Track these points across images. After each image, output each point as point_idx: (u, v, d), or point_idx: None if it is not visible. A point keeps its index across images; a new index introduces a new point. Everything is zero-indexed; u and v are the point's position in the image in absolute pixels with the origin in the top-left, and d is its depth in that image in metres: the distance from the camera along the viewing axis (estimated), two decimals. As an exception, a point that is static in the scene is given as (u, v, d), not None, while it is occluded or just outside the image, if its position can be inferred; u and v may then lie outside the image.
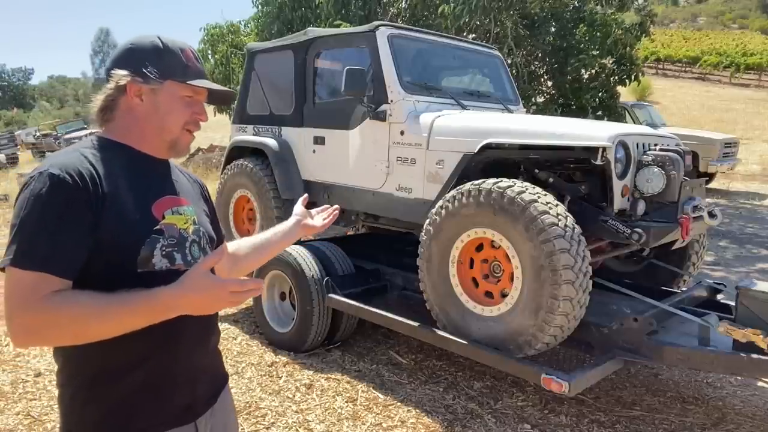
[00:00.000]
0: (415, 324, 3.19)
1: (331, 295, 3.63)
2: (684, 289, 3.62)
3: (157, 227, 1.16)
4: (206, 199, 1.42)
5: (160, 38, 1.22)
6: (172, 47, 1.22)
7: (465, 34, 7.91)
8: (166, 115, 1.22)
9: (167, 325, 1.10)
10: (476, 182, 2.86)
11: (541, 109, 8.80)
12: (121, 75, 1.18)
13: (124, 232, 1.11)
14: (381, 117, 3.63)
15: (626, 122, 10.04)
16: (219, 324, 1.37)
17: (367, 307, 3.47)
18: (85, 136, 1.35)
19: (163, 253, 1.16)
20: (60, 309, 1.01)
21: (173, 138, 1.24)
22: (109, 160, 1.16)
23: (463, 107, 3.77)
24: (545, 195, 2.69)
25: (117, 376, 1.14)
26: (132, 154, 1.22)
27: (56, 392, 1.21)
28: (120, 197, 1.13)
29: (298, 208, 1.69)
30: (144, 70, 1.18)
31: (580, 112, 8.76)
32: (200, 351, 1.27)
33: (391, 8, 9.03)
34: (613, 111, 8.99)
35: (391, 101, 3.58)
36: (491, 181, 2.81)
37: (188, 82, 1.22)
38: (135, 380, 1.15)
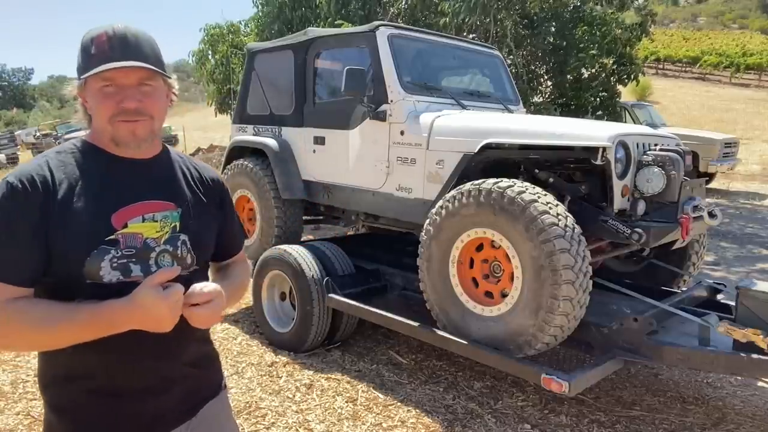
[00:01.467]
0: (415, 324, 3.19)
1: (331, 295, 3.63)
2: (684, 289, 3.62)
3: (111, 237, 1.11)
4: (221, 201, 1.35)
5: (85, 34, 1.16)
6: (85, 41, 1.15)
7: (465, 33, 7.91)
8: (95, 112, 1.16)
9: (124, 336, 1.08)
10: (476, 182, 2.86)
11: (541, 109, 8.80)
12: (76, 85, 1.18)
13: (69, 242, 1.08)
14: (381, 117, 3.63)
15: (625, 122, 10.05)
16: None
17: (367, 307, 3.47)
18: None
19: (114, 265, 1.10)
20: (10, 317, 1.02)
21: (110, 134, 1.16)
22: (75, 165, 1.14)
23: (463, 107, 3.77)
24: (545, 195, 2.69)
25: (72, 382, 1.15)
26: (104, 157, 1.18)
27: None
28: (72, 205, 1.09)
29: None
30: (79, 75, 1.16)
31: (580, 112, 8.77)
32: (168, 364, 1.22)
33: (391, 8, 9.02)
34: (612, 111, 9.00)
35: (391, 101, 3.58)
36: (491, 181, 2.81)
37: (91, 72, 1.12)
38: (91, 387, 1.15)
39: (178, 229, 1.21)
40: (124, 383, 1.17)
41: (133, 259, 1.13)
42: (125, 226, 1.13)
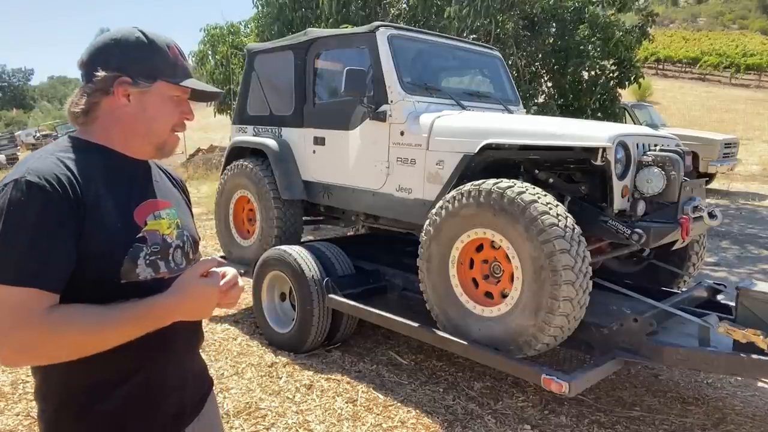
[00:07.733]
0: (415, 324, 3.19)
1: (331, 295, 3.63)
2: (684, 289, 3.62)
3: (140, 235, 1.11)
4: (189, 200, 1.39)
5: (143, 33, 1.13)
6: (159, 44, 1.14)
7: (466, 35, 7.92)
8: (155, 117, 1.15)
9: (157, 334, 1.07)
10: (476, 183, 2.86)
11: (541, 110, 8.81)
12: (107, 75, 1.10)
13: (106, 242, 1.05)
14: (381, 117, 3.63)
15: (625, 123, 10.05)
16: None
17: (367, 307, 3.47)
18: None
19: (147, 262, 1.10)
20: (59, 326, 0.96)
21: (161, 141, 1.18)
22: (87, 164, 1.08)
23: (463, 108, 3.77)
24: (545, 195, 2.69)
25: (105, 390, 1.10)
26: (113, 156, 1.15)
27: None
28: (101, 204, 1.06)
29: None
30: (132, 70, 1.11)
31: (580, 114, 8.77)
32: (189, 357, 1.25)
33: (391, 9, 9.02)
34: (612, 113, 9.00)
35: (391, 102, 3.58)
36: (491, 181, 2.81)
37: (180, 84, 1.15)
38: (124, 394, 1.11)
39: (179, 225, 1.22)
40: (158, 381, 1.17)
41: (159, 256, 1.14)
42: (145, 223, 1.13)
